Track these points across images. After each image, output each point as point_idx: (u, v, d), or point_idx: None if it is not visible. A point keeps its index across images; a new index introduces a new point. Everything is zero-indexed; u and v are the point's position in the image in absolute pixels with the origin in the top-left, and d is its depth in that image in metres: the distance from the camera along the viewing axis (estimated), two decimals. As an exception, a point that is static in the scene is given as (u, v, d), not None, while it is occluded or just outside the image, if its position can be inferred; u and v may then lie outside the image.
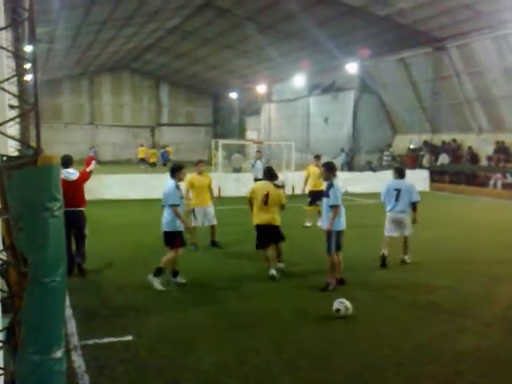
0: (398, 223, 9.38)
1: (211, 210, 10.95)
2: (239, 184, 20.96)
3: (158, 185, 18.63)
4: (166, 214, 8.08)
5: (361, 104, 30.22)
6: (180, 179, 8.31)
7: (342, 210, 7.83)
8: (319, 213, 12.12)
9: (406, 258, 9.48)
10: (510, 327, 6.35)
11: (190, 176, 10.61)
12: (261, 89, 39.81)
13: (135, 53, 39.17)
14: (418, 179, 22.84)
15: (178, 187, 8.21)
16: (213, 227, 11.10)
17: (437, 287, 7.98)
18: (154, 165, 37.35)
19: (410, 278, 8.60)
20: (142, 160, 38.80)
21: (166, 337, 5.95)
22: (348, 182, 15.20)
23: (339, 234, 7.79)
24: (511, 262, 9.81)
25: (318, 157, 14.42)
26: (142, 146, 41.30)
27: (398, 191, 9.21)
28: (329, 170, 8.02)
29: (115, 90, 47.18)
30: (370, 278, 8.59)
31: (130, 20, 27.10)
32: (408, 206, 9.34)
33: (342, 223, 7.82)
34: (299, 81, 34.40)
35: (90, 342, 5.73)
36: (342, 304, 6.57)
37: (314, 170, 13.67)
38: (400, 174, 9.59)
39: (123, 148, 46.40)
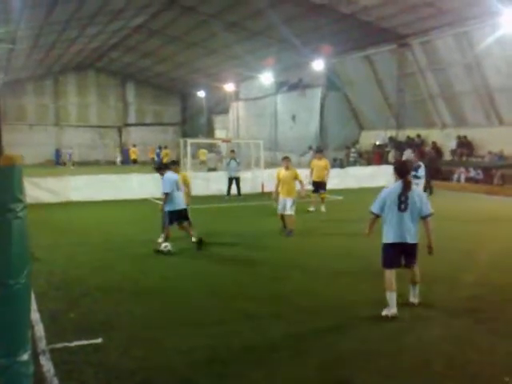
0: None
1: None
2: (210, 182, 20.95)
3: (126, 186, 18.68)
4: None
5: (327, 101, 30.53)
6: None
7: None
8: (322, 200, 15.85)
9: None
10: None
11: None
12: (228, 87, 39.82)
13: (100, 52, 38.65)
14: (384, 175, 23.23)
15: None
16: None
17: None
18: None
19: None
20: (135, 161, 36.50)
21: (136, 338, 5.91)
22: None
23: None
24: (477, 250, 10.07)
25: (320, 151, 17.40)
26: (135, 146, 39.74)
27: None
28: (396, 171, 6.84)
29: (80, 89, 46.48)
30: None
31: (94, 19, 26.70)
32: None
33: None
34: (266, 79, 34.53)
35: (59, 345, 5.64)
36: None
37: (317, 163, 16.13)
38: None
39: (90, 149, 45.72)
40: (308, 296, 7.42)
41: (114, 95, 48.12)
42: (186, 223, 10.80)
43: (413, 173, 13.60)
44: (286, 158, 12.62)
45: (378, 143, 28.16)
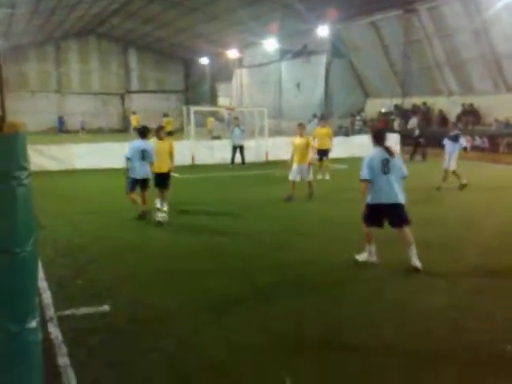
0: None
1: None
2: (213, 151, 20.86)
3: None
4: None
5: (332, 68, 30.09)
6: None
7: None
8: (326, 167, 16.06)
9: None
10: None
11: None
12: (232, 54, 39.21)
13: (101, 17, 38.03)
14: (389, 143, 23.06)
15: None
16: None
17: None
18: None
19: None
20: (136, 128, 35.72)
21: (142, 304, 5.97)
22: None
23: None
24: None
25: (323, 119, 17.74)
26: (134, 113, 38.28)
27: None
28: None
29: (82, 56, 45.94)
30: (347, 234, 8.72)
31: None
32: None
33: None
34: (270, 45, 33.97)
35: (67, 312, 5.70)
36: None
37: (320, 131, 16.10)
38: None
39: (93, 116, 45.38)
40: (309, 264, 7.45)
41: (116, 62, 47.57)
42: (165, 191, 10.82)
43: (452, 142, 13.50)
44: (300, 125, 12.65)
45: (383, 111, 27.87)
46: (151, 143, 10.45)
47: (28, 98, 42.89)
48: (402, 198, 6.92)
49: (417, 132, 22.03)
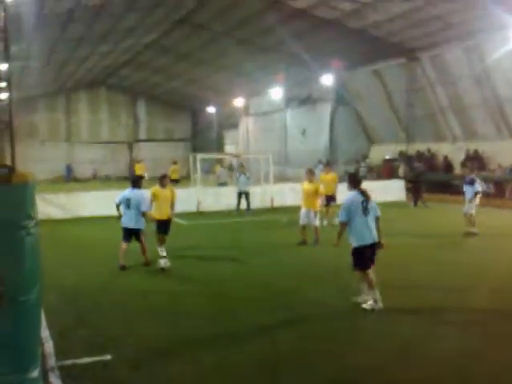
0: None
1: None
2: (219, 197, 20.96)
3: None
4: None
5: (337, 115, 30.57)
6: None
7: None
8: (333, 212, 14.75)
9: None
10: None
11: None
12: (238, 102, 39.99)
13: (111, 69, 39.06)
14: (394, 189, 23.14)
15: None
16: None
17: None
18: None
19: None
20: (141, 177, 33.80)
21: (145, 353, 5.90)
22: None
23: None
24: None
25: (328, 165, 17.49)
26: (139, 162, 36.45)
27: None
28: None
29: (92, 106, 46.94)
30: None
31: (106, 37, 27.07)
32: None
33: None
34: (276, 94, 34.66)
35: (68, 362, 5.64)
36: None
37: (325, 177, 16.14)
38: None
39: (101, 164, 45.98)
40: (316, 306, 7.37)
41: (125, 112, 48.55)
42: (165, 236, 10.84)
43: (469, 187, 13.50)
44: (309, 171, 12.80)
45: (387, 157, 28.09)
46: (139, 192, 10.37)
47: (37, 146, 43.57)
48: (376, 237, 7.37)
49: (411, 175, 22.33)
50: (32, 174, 3.27)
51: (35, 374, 3.03)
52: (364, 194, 7.45)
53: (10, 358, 3.00)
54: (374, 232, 7.34)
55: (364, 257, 7.29)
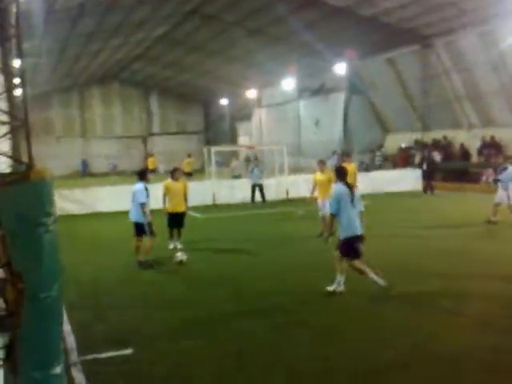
0: None
1: None
2: (234, 190, 20.96)
3: (152, 195, 18.49)
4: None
5: (351, 105, 30.31)
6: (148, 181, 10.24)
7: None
8: None
9: None
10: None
11: None
12: (251, 94, 39.85)
13: (124, 63, 39.16)
14: (409, 178, 22.94)
15: (146, 188, 9.89)
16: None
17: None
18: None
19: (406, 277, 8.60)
20: (153, 171, 32.53)
21: (166, 348, 5.91)
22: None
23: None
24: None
25: (348, 155, 16.81)
26: (152, 155, 37.88)
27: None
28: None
29: (105, 101, 47.16)
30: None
31: (117, 30, 27.09)
32: None
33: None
34: (289, 84, 34.46)
35: (90, 357, 5.67)
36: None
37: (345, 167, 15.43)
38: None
39: (116, 159, 46.22)
40: (330, 299, 7.33)
41: (138, 105, 48.70)
42: (180, 229, 11.23)
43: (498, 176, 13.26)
44: (321, 162, 12.74)
45: (403, 146, 27.82)
46: (138, 185, 10.06)
47: (53, 143, 43.94)
48: (361, 229, 7.59)
49: (424, 166, 22.14)
50: (49, 170, 3.25)
51: (59, 369, 3.03)
52: (349, 186, 7.73)
53: (34, 354, 3.00)
54: (359, 224, 7.56)
55: (352, 247, 7.44)
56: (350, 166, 16.16)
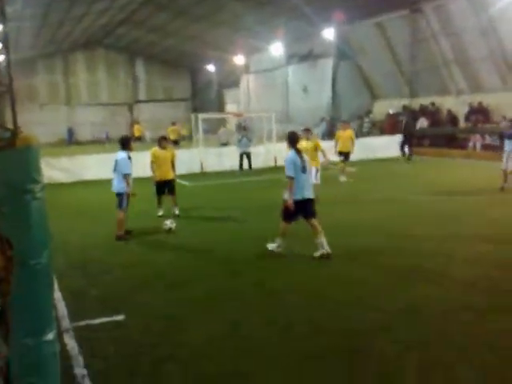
0: None
1: None
2: (222, 158, 20.88)
3: (138, 163, 18.50)
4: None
5: (339, 71, 30.02)
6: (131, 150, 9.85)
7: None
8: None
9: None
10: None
11: None
12: (238, 60, 39.29)
13: (108, 28, 38.29)
14: (397, 144, 23.00)
15: (129, 157, 9.63)
16: None
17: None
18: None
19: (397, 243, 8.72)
20: (138, 139, 33.97)
21: (157, 314, 5.97)
22: (329, 150, 15.25)
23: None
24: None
25: (346, 122, 17.59)
26: (138, 123, 38.51)
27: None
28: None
29: (90, 67, 46.23)
30: (352, 243, 8.68)
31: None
32: None
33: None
34: (277, 50, 34.02)
35: (82, 323, 5.72)
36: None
37: (342, 134, 16.28)
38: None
39: (102, 127, 45.58)
40: (314, 262, 7.42)
41: (124, 72, 47.85)
42: (172, 197, 11.42)
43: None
44: (306, 130, 12.70)
45: (391, 112, 27.77)
46: (122, 154, 9.67)
47: (37, 110, 43.22)
48: (313, 194, 8.11)
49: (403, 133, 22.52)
50: (35, 137, 3.20)
51: (51, 336, 3.05)
52: (300, 153, 8.05)
53: (25, 321, 3.01)
54: (310, 188, 8.05)
55: (295, 210, 7.84)
56: (347, 132, 16.41)
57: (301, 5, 24.49)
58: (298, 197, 7.85)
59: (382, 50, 27.55)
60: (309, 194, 7.97)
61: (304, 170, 7.93)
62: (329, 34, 28.25)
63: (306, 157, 8.14)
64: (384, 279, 6.82)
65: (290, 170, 7.85)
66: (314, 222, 7.93)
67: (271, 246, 8.20)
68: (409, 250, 8.13)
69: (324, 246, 7.81)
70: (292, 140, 8.22)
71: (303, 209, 7.92)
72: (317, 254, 7.85)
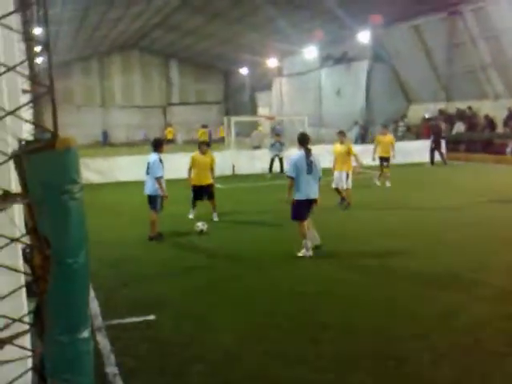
0: None
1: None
2: (254, 161, 20.90)
3: (172, 165, 18.68)
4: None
5: (374, 74, 29.70)
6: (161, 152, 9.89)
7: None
8: (385, 174, 15.96)
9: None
10: None
11: None
12: (271, 63, 39.28)
13: (143, 31, 38.85)
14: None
15: (160, 160, 9.63)
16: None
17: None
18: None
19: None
20: (170, 141, 34.43)
21: (187, 315, 6.00)
22: (362, 154, 15.08)
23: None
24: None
25: (385, 127, 17.72)
26: (171, 126, 40.44)
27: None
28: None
29: (125, 70, 46.97)
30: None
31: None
32: None
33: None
34: (310, 53, 33.87)
35: (114, 322, 5.80)
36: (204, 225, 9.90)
37: (382, 139, 16.34)
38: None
39: (136, 129, 46.21)
40: (350, 269, 7.33)
41: (158, 74, 48.42)
42: (211, 201, 11.34)
43: None
44: (340, 133, 12.74)
45: (427, 116, 27.30)
46: (154, 156, 9.69)
47: (73, 111, 44.10)
48: (316, 194, 8.25)
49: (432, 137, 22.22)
50: (74, 139, 3.25)
51: (86, 333, 3.10)
52: (309, 154, 8.12)
53: (61, 319, 3.06)
54: (316, 189, 8.20)
55: (302, 210, 8.12)
56: (387, 137, 16.34)
57: (335, 8, 24.34)
58: (302, 197, 8.08)
59: (418, 53, 27.14)
60: (313, 194, 8.16)
61: (309, 170, 8.07)
62: (364, 37, 27.99)
63: (314, 158, 8.18)
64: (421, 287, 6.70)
65: (291, 171, 8.09)
66: (307, 222, 8.21)
67: (301, 253, 8.19)
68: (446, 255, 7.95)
69: (308, 248, 8.12)
70: (301, 140, 8.31)
71: (307, 209, 8.18)
72: (299, 253, 8.14)
